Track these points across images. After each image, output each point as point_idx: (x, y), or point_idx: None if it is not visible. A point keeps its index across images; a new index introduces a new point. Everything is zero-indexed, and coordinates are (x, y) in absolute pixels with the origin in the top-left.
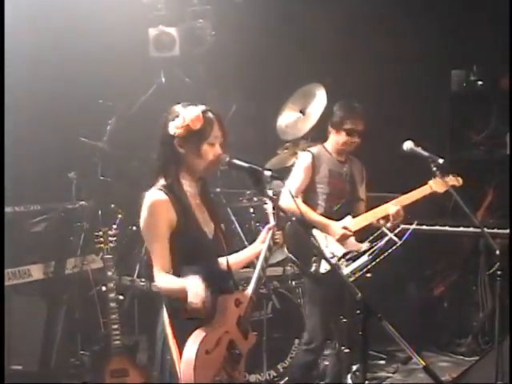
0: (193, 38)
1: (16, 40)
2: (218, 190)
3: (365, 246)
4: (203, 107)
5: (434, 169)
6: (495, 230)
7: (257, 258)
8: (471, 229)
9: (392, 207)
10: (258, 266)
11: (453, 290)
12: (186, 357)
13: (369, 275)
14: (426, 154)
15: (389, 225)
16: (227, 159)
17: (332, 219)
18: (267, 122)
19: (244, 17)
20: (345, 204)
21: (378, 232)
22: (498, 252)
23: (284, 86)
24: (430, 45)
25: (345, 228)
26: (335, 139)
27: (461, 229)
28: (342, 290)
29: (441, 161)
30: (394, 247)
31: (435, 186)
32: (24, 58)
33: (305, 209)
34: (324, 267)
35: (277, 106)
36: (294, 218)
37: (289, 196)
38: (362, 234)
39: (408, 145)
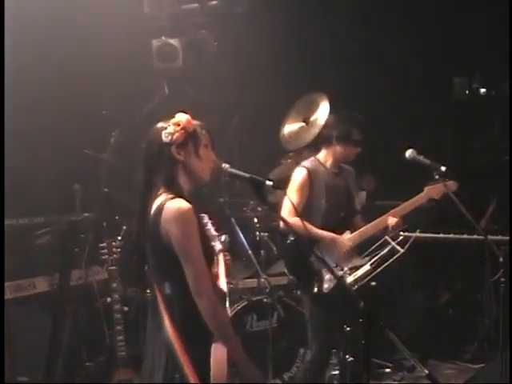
0: (195, 49)
1: (17, 49)
2: (222, 200)
3: (367, 260)
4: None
5: (437, 177)
6: (499, 237)
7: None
8: (475, 236)
9: (391, 219)
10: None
11: (458, 298)
12: (218, 357)
13: (373, 284)
14: (428, 161)
15: (390, 235)
16: (228, 169)
17: None
18: (270, 132)
19: (246, 27)
20: (343, 218)
21: (381, 241)
22: (501, 259)
23: (287, 95)
24: (432, 53)
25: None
26: (338, 151)
27: (465, 236)
28: (346, 305)
29: (443, 168)
30: (396, 256)
31: (431, 192)
32: (27, 69)
33: (308, 226)
34: (326, 286)
35: (280, 116)
36: (293, 238)
37: (290, 214)
38: (364, 243)
39: (410, 153)
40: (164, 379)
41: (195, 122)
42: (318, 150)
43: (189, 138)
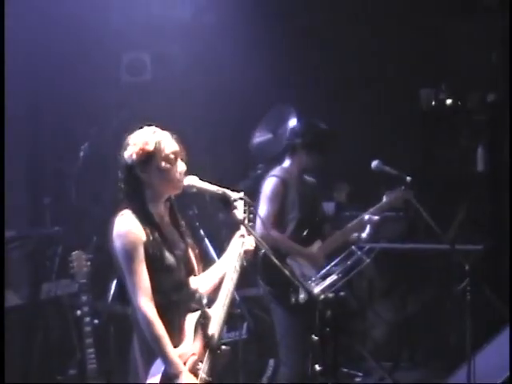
0: (165, 64)
1: None
2: (191, 212)
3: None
4: (152, 127)
5: (402, 187)
6: (467, 246)
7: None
8: (443, 246)
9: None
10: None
11: (427, 307)
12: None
13: (342, 293)
14: (393, 172)
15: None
16: (196, 182)
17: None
18: (241, 145)
19: (216, 41)
20: (313, 227)
21: (348, 250)
22: (467, 267)
23: (257, 109)
24: (398, 64)
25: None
26: (306, 160)
27: (432, 246)
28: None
29: (408, 179)
30: (362, 265)
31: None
32: None
33: (286, 240)
34: (302, 296)
35: (250, 129)
36: (264, 250)
37: (263, 227)
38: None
39: (376, 164)
40: None
41: (160, 135)
42: (283, 160)
43: (149, 156)
